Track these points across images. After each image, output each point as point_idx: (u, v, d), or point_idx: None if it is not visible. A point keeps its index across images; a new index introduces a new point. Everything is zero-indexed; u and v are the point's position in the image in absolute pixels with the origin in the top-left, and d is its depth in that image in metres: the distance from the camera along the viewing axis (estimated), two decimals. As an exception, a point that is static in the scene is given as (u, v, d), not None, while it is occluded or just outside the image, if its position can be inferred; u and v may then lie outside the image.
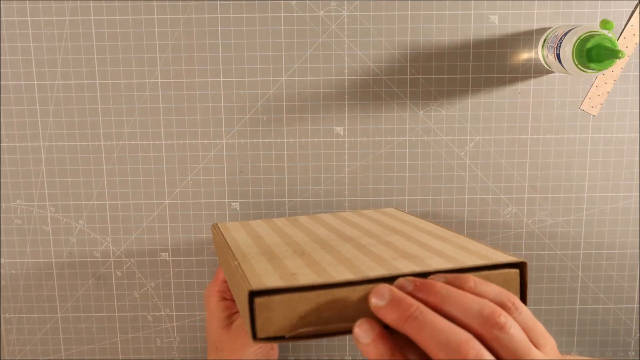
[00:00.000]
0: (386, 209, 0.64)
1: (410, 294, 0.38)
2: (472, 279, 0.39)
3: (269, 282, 0.38)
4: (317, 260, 0.44)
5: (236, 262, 0.44)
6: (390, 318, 0.37)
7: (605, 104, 0.65)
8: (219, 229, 0.58)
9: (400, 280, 0.39)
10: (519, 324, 0.37)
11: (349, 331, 0.39)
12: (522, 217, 0.67)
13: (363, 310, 0.38)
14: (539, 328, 0.39)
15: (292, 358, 0.71)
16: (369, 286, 0.38)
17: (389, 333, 0.38)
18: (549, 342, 0.39)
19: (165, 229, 0.68)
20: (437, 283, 0.38)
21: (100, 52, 0.64)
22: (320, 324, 0.38)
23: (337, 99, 0.65)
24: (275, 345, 0.64)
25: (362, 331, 0.37)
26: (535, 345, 0.38)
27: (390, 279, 0.39)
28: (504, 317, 0.36)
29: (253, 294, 0.37)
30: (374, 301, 0.38)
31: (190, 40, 0.64)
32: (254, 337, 0.38)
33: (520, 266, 0.41)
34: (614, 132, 0.65)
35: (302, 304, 0.38)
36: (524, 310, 0.38)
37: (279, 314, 0.37)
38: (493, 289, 0.39)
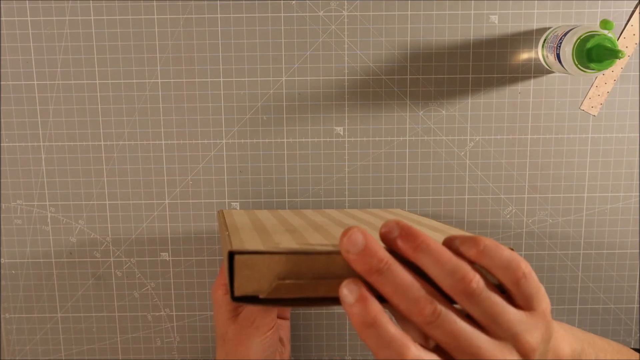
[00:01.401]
0: (393, 209, 0.64)
1: (394, 240, 0.38)
2: (483, 243, 0.38)
3: (250, 246, 0.40)
4: (305, 236, 0.45)
5: (227, 232, 0.46)
6: (358, 268, 0.37)
7: (605, 104, 0.65)
8: (223, 214, 0.58)
9: (390, 223, 0.38)
10: (521, 292, 0.38)
11: (327, 300, 0.39)
12: (522, 217, 0.67)
13: (341, 279, 0.39)
14: (540, 293, 0.39)
15: (292, 358, 0.71)
16: None
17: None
18: (542, 305, 0.39)
19: (165, 229, 0.68)
20: (421, 235, 0.37)
21: (100, 52, 0.64)
22: (299, 289, 0.39)
23: (337, 99, 0.65)
24: (286, 343, 0.64)
25: (348, 290, 0.37)
26: (527, 309, 0.38)
27: None
28: (475, 284, 0.36)
29: (233, 253, 0.38)
30: (346, 247, 0.37)
31: (190, 40, 0.64)
32: (233, 295, 0.38)
33: None
34: (614, 132, 0.65)
35: (282, 266, 0.38)
36: (531, 278, 0.38)
37: (257, 273, 0.38)
38: (502, 256, 0.38)
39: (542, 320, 0.38)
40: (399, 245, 0.38)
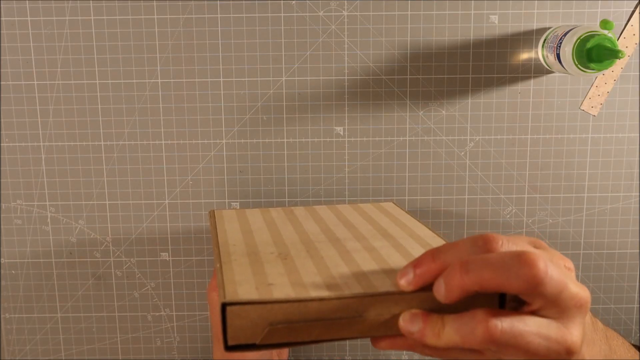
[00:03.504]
0: (384, 203, 0.64)
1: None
2: (501, 240, 0.39)
3: (243, 294, 0.39)
4: (297, 267, 0.44)
5: (218, 265, 0.45)
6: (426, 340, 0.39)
7: (605, 104, 0.65)
8: (214, 217, 0.58)
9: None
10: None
11: (320, 341, 0.39)
12: (522, 217, 0.67)
13: (335, 321, 0.39)
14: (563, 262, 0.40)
15: (292, 358, 0.71)
16: (342, 301, 0.39)
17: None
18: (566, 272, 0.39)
19: (165, 229, 0.68)
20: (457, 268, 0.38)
21: (100, 52, 0.64)
22: (293, 332, 0.39)
23: (337, 99, 0.65)
24: None
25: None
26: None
27: (363, 298, 0.39)
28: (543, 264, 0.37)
29: (225, 305, 0.38)
30: (406, 329, 0.39)
31: (190, 40, 0.64)
32: (226, 344, 0.38)
33: None
34: (614, 132, 0.65)
35: (274, 313, 0.38)
36: (554, 252, 0.39)
37: (250, 322, 0.38)
38: (519, 245, 0.39)
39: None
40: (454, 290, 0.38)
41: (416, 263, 0.39)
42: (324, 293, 0.39)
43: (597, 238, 0.67)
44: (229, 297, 0.39)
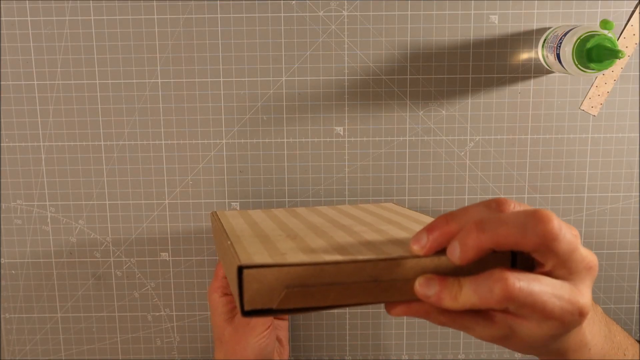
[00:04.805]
0: (385, 203, 0.64)
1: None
2: (512, 203, 0.39)
3: (258, 259, 0.39)
4: (308, 243, 0.44)
5: (229, 242, 0.45)
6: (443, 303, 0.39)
7: (605, 104, 0.65)
8: (217, 216, 0.58)
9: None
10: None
11: (336, 306, 0.39)
12: (522, 217, 0.67)
13: (350, 285, 0.39)
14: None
15: (292, 358, 0.71)
16: (357, 265, 0.39)
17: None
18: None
19: (165, 229, 0.68)
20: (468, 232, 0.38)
21: (100, 52, 0.64)
22: (309, 297, 0.39)
23: (337, 99, 0.65)
24: (285, 343, 0.65)
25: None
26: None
27: (377, 262, 0.39)
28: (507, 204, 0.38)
29: (242, 268, 0.38)
30: (422, 292, 0.39)
31: (190, 40, 0.64)
32: (243, 310, 0.38)
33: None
34: (614, 132, 0.65)
35: (290, 277, 0.38)
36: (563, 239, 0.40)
37: (266, 286, 0.38)
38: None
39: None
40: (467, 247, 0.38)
41: (430, 228, 0.39)
42: (339, 257, 0.39)
43: (597, 238, 0.67)
44: (244, 261, 0.39)
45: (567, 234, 0.36)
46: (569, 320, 0.38)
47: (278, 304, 0.38)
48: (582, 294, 0.38)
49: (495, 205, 0.39)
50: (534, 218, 0.36)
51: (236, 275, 0.38)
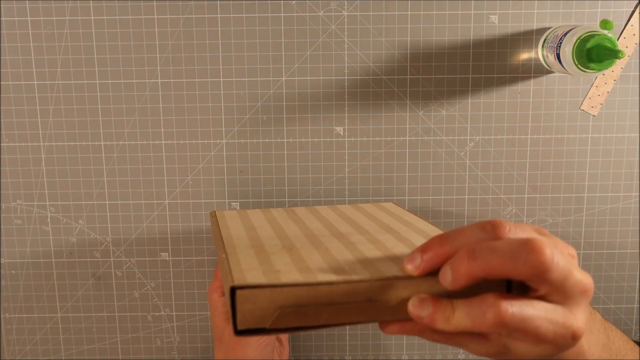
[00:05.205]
0: (385, 203, 0.64)
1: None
2: (508, 226, 0.39)
3: (251, 279, 0.39)
4: (303, 257, 0.44)
5: (224, 255, 0.45)
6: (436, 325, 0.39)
7: (605, 104, 0.65)
8: (216, 217, 0.58)
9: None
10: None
11: (330, 325, 0.39)
12: (522, 217, 0.67)
13: (344, 306, 0.39)
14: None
15: (292, 358, 0.71)
16: (351, 285, 0.39)
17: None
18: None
19: (165, 229, 0.68)
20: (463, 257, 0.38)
21: (100, 52, 0.64)
22: (302, 317, 0.38)
23: (337, 99, 0.65)
24: (285, 343, 0.65)
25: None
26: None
27: (371, 282, 0.39)
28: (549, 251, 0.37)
29: (234, 289, 0.38)
30: (416, 314, 0.39)
31: (190, 40, 0.64)
32: (235, 329, 0.38)
33: None
34: (614, 132, 0.65)
35: (284, 297, 0.38)
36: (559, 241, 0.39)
37: (259, 307, 0.38)
38: (525, 232, 0.39)
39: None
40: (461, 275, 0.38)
41: (423, 248, 0.39)
42: (333, 277, 0.39)
43: (597, 238, 0.67)
44: (237, 281, 0.38)
45: (560, 262, 0.36)
46: (563, 343, 0.38)
47: (271, 323, 0.38)
48: (575, 317, 0.38)
49: (490, 228, 0.39)
50: (526, 248, 0.36)
51: (228, 294, 0.38)
